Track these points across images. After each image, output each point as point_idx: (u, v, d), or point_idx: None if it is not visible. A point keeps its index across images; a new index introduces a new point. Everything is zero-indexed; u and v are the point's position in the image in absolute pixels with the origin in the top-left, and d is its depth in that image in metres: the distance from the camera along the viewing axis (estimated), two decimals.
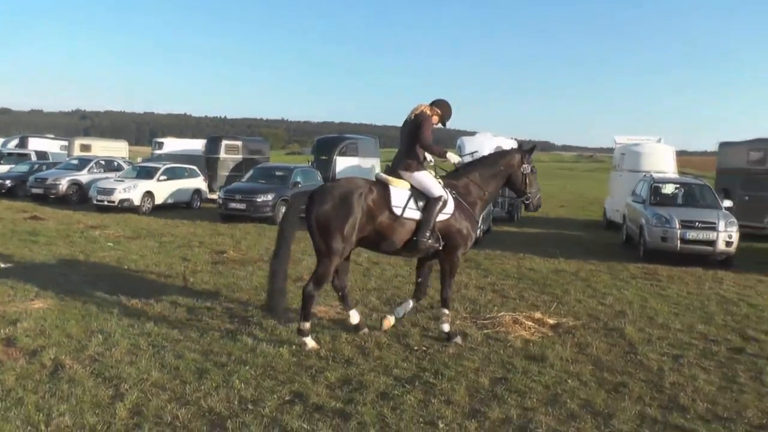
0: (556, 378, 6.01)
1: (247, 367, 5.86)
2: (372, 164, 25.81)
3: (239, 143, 27.17)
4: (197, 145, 30.74)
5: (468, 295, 9.37)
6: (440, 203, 6.74)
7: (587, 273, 11.98)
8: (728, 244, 13.41)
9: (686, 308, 9.33)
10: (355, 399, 5.26)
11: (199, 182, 23.62)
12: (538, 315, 8.05)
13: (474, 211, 7.13)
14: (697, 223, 13.54)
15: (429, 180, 6.86)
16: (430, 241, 6.75)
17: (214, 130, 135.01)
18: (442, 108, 7.14)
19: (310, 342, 6.59)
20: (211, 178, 25.19)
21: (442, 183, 6.97)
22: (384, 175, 7.01)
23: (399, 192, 6.76)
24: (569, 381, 5.96)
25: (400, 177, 6.89)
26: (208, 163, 26.01)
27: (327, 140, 25.71)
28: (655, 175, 17.00)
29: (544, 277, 11.26)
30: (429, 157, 7.13)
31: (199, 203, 23.21)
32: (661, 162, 20.10)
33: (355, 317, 7.22)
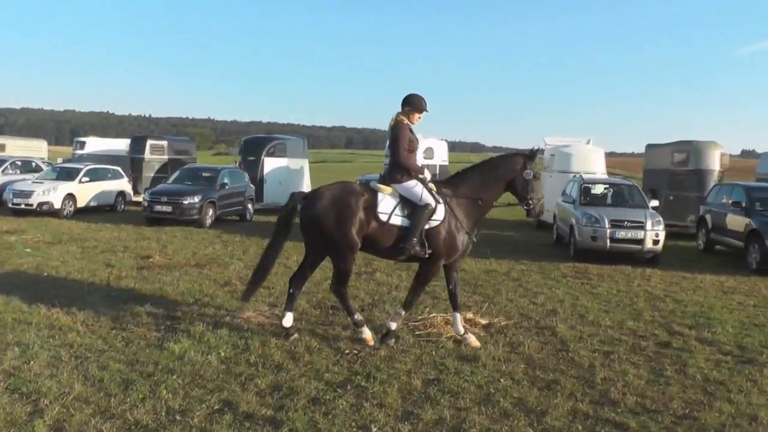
0: (488, 377, 6.14)
1: (174, 377, 5.75)
2: (301, 165, 25.76)
3: (165, 143, 26.64)
4: (121, 144, 29.94)
5: (399, 297, 9.38)
6: (426, 211, 6.84)
7: (518, 273, 12.26)
8: (655, 242, 13.99)
9: (616, 305, 9.66)
10: (286, 405, 5.24)
11: (124, 184, 23.09)
12: (469, 315, 8.16)
13: (466, 220, 7.15)
14: (626, 223, 14.06)
15: (416, 189, 6.95)
16: (416, 248, 6.85)
17: (138, 129, 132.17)
18: (411, 103, 7.16)
19: (366, 332, 7.06)
20: (135, 180, 24.62)
21: (434, 189, 7.05)
22: (376, 183, 7.18)
23: (387, 199, 6.95)
24: (502, 380, 6.09)
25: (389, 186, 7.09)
26: (132, 163, 25.38)
27: (255, 140, 25.57)
28: (584, 176, 17.52)
29: (475, 278, 11.44)
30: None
31: (123, 206, 22.71)
32: (591, 163, 20.75)
33: (288, 320, 7.22)
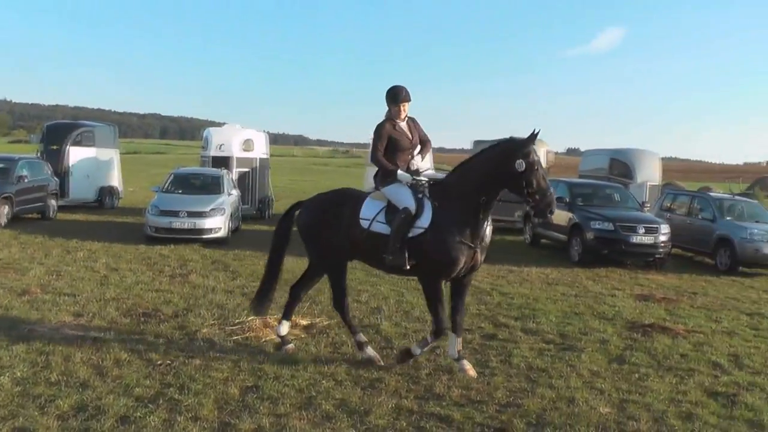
0: (309, 380, 6.32)
1: None
2: (111, 156, 24.81)
3: None
4: None
5: (215, 300, 9.42)
6: (403, 216, 6.45)
7: None
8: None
9: None
10: (92, 427, 5.10)
11: None
12: None
13: (462, 227, 6.41)
14: None
15: (397, 192, 6.70)
16: (396, 258, 6.45)
17: None
18: (387, 98, 6.94)
19: (283, 330, 7.29)
20: None
21: (425, 193, 6.65)
22: (372, 190, 7.13)
23: (371, 204, 6.81)
24: (324, 382, 6.29)
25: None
26: None
27: (59, 127, 24.33)
28: None
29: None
30: (416, 162, 7.10)
31: None
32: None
33: (284, 329, 7.35)
